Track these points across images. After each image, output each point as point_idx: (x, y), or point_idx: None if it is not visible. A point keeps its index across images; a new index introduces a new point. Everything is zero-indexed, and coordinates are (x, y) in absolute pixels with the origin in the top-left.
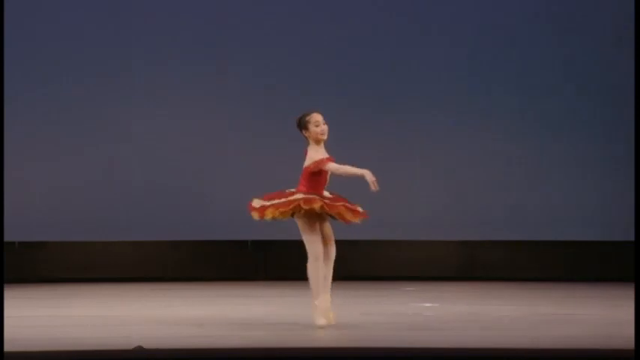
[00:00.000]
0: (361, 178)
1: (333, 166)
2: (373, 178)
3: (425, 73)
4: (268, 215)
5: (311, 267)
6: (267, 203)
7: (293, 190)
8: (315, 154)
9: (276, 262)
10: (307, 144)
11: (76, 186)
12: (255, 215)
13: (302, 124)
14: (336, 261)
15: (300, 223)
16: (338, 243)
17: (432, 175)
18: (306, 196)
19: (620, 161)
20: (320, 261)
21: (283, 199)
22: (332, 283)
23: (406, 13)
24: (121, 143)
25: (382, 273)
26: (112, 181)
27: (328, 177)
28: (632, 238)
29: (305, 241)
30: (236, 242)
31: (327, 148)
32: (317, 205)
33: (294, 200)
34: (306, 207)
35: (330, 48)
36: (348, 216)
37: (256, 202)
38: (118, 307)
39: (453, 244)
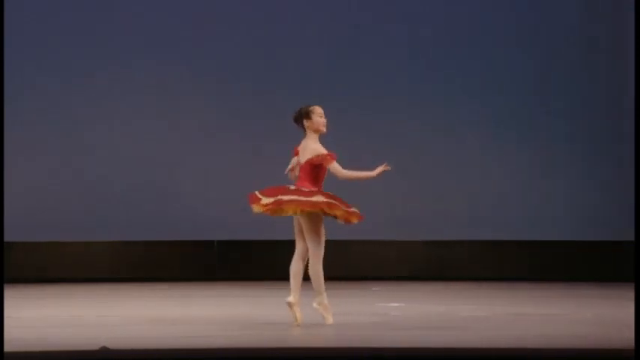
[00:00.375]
0: (371, 179)
1: (338, 170)
2: (376, 173)
3: (403, 73)
4: (289, 211)
5: (319, 266)
6: (285, 198)
7: (292, 187)
8: (318, 146)
9: (243, 262)
10: (304, 136)
11: (38, 186)
12: (260, 208)
13: (304, 114)
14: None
15: (307, 222)
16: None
17: (406, 175)
18: (329, 200)
19: (600, 162)
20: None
21: (304, 198)
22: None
23: (394, 15)
24: (94, 147)
25: (349, 273)
26: (67, 182)
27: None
28: (614, 238)
29: (314, 240)
30: (203, 242)
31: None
32: (339, 212)
33: (317, 203)
34: (330, 213)
35: (297, 46)
36: (354, 219)
37: (263, 197)
38: (85, 307)
39: (420, 243)
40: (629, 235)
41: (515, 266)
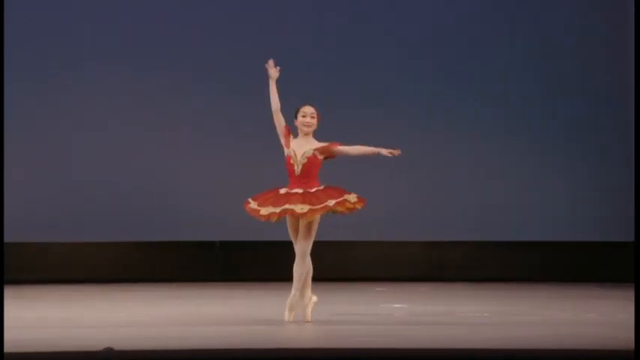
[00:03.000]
0: (377, 155)
1: (346, 149)
2: (387, 151)
3: (404, 73)
4: (317, 213)
5: (305, 265)
6: (298, 209)
7: (299, 190)
8: (312, 143)
9: (244, 263)
10: (294, 135)
11: (40, 188)
12: (264, 218)
13: (294, 114)
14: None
15: (312, 222)
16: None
17: (405, 176)
18: (337, 200)
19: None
20: None
21: (318, 206)
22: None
23: (393, 16)
24: (93, 146)
25: (352, 274)
26: (66, 182)
27: None
28: (617, 239)
29: (309, 241)
30: (203, 243)
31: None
32: (348, 205)
33: (328, 206)
34: (339, 210)
35: (298, 46)
36: (359, 206)
37: (262, 208)
38: (87, 308)
39: (422, 244)
40: (630, 236)
41: (518, 267)
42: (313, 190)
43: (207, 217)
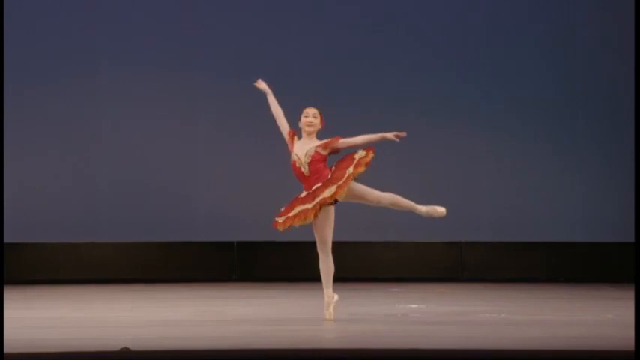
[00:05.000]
0: (382, 141)
1: (350, 141)
2: (393, 134)
3: (416, 71)
4: (345, 185)
5: (330, 260)
6: (342, 180)
7: (318, 184)
8: (314, 142)
9: (262, 263)
10: (299, 137)
11: (54, 187)
12: (309, 217)
13: (299, 116)
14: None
15: (329, 211)
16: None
17: (423, 176)
18: (344, 179)
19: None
20: None
21: (351, 167)
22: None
23: (397, 15)
24: (107, 146)
25: (369, 274)
26: (85, 182)
27: None
28: (622, 239)
29: (330, 235)
30: (221, 243)
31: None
32: (360, 169)
33: (366, 158)
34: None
35: (305, 47)
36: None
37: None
38: (103, 309)
39: (440, 244)
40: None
41: (539, 267)
42: (329, 176)
43: (225, 218)
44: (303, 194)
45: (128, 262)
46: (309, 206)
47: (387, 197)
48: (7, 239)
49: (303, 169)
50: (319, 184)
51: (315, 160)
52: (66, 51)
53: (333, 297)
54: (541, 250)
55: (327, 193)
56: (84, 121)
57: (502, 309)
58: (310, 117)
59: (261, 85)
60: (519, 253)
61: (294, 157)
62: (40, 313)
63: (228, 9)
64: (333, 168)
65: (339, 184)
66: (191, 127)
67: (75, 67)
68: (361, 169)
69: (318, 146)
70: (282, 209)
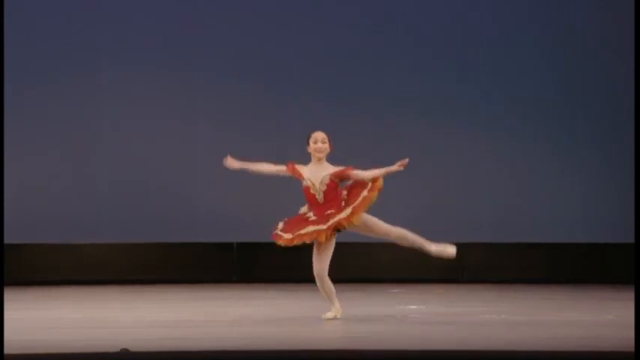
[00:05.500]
0: (387, 175)
1: (362, 174)
2: (397, 166)
3: (422, 75)
4: (361, 208)
5: (328, 282)
6: (358, 201)
7: (332, 211)
8: (327, 168)
9: (262, 264)
10: (305, 163)
11: (53, 189)
12: (321, 237)
13: (306, 140)
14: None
15: (333, 240)
16: None
17: (424, 178)
18: (353, 206)
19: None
20: None
21: (365, 190)
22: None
23: (397, 15)
24: (107, 146)
25: (369, 275)
26: (85, 182)
27: None
28: (622, 240)
29: (328, 263)
30: (221, 244)
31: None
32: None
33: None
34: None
35: (305, 47)
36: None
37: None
38: (102, 310)
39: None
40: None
41: (539, 267)
42: (342, 203)
43: (225, 218)
44: (313, 217)
45: (128, 263)
46: (323, 227)
47: (396, 231)
48: (7, 239)
49: (317, 196)
50: (332, 210)
51: (330, 188)
52: (66, 51)
53: (340, 310)
54: (541, 251)
55: (343, 214)
56: (84, 121)
57: (502, 310)
58: (319, 142)
59: (234, 164)
60: (519, 254)
61: (307, 183)
62: (40, 314)
63: (228, 9)
64: (345, 192)
65: (354, 205)
66: (191, 127)
67: (75, 67)
68: (375, 193)
69: (332, 174)
70: (282, 224)
